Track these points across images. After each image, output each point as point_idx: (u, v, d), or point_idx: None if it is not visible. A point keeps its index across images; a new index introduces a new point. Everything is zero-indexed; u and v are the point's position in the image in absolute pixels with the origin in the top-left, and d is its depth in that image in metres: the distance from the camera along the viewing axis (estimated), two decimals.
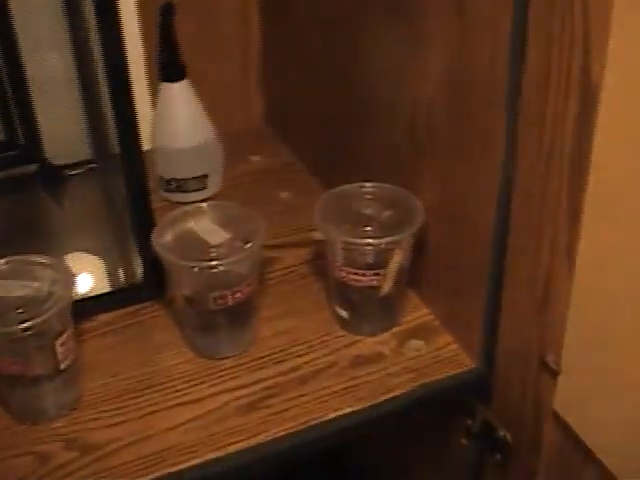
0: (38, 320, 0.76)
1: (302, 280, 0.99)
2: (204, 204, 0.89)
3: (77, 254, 0.97)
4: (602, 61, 0.61)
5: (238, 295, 0.84)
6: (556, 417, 0.78)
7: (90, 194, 1.07)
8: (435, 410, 0.91)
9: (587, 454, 0.75)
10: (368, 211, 0.90)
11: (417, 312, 0.93)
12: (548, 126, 0.69)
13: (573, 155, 0.67)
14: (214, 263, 0.82)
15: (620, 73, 0.61)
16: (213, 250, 0.85)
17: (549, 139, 0.69)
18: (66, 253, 0.94)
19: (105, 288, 0.96)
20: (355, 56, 0.97)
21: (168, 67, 1.05)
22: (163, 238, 0.85)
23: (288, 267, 1.01)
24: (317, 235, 1.02)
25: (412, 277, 0.91)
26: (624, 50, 0.59)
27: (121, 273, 0.98)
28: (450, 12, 0.76)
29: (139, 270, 0.95)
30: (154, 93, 1.10)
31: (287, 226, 1.06)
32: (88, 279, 0.96)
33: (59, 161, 1.03)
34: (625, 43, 0.59)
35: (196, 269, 0.82)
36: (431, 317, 0.93)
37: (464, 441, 0.93)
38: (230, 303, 0.84)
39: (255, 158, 1.20)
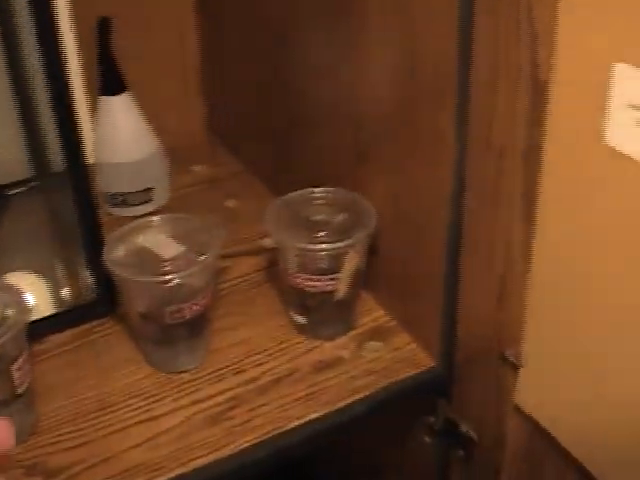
0: None
1: (255, 289, 0.98)
2: (154, 217, 0.88)
3: (17, 274, 0.95)
4: (550, 57, 0.62)
5: (195, 308, 0.83)
6: (519, 410, 0.79)
7: (33, 213, 1.05)
8: (397, 410, 0.91)
9: (552, 444, 0.76)
10: (320, 216, 0.90)
11: (373, 314, 0.94)
12: (499, 124, 0.69)
13: (525, 153, 0.68)
14: (169, 277, 0.81)
15: (567, 68, 0.61)
16: (167, 264, 0.84)
17: (500, 138, 0.70)
18: (5, 273, 0.92)
19: (53, 308, 0.94)
20: (295, 62, 0.97)
21: (108, 80, 1.03)
22: (114, 254, 0.84)
23: (240, 276, 1.00)
24: (267, 243, 1.02)
25: (367, 279, 0.91)
26: (571, 45, 0.60)
27: (69, 291, 0.97)
28: (394, 14, 0.76)
29: (89, 287, 0.93)
30: (92, 108, 1.08)
31: (236, 235, 1.05)
32: (32, 299, 0.94)
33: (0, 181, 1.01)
34: (572, 38, 0.60)
35: (151, 284, 0.81)
36: (387, 318, 0.93)
37: (427, 439, 0.93)
38: (187, 316, 0.83)
39: (199, 168, 1.19)
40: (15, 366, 0.77)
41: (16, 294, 0.79)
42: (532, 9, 0.62)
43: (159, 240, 0.86)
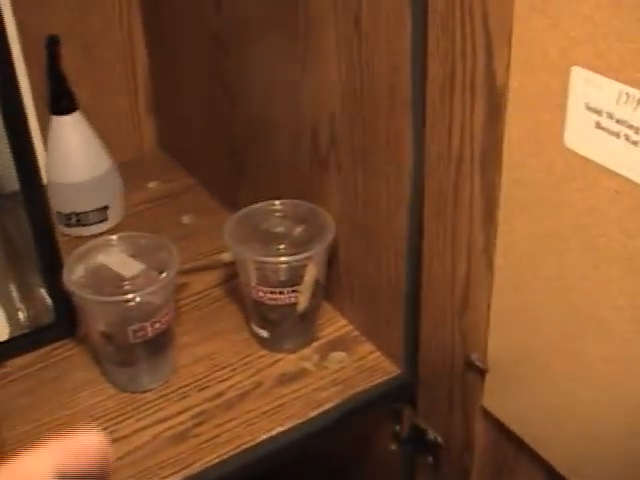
0: None
1: (215, 304, 0.98)
2: (113, 236, 0.88)
3: None
4: (506, 63, 0.63)
5: (157, 325, 0.83)
6: (486, 414, 0.80)
7: None
8: (363, 420, 0.91)
9: (520, 446, 0.77)
10: (279, 229, 0.90)
11: (335, 324, 0.94)
12: (456, 130, 0.70)
13: (484, 156, 0.68)
14: (130, 296, 0.80)
15: (524, 73, 0.62)
16: (127, 283, 0.83)
17: (458, 143, 0.70)
18: None
19: (11, 331, 0.93)
20: (245, 76, 0.97)
21: (58, 100, 1.02)
22: (74, 274, 0.83)
23: (199, 292, 1.00)
24: (225, 257, 1.02)
25: (328, 290, 0.92)
26: (527, 50, 0.61)
27: (26, 314, 0.96)
28: (347, 25, 0.76)
29: (47, 309, 0.92)
30: (43, 127, 1.07)
31: (193, 250, 1.05)
32: None
33: None
34: (527, 43, 0.61)
35: (113, 304, 0.80)
36: (350, 328, 0.93)
37: (393, 447, 0.93)
38: (150, 335, 0.83)
39: (152, 184, 1.19)
40: None
41: None
42: (487, 17, 0.63)
43: (119, 259, 0.85)
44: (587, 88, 0.58)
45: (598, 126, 0.58)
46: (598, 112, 0.58)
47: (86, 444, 0.43)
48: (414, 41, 0.70)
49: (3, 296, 0.96)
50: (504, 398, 0.77)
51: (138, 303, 0.80)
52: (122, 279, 0.83)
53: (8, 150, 0.83)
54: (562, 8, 0.57)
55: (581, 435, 0.71)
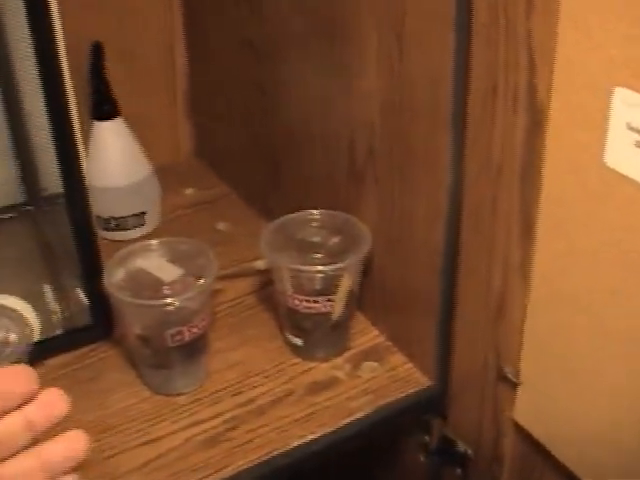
0: None
1: (249, 310, 0.99)
2: (153, 241, 0.89)
3: (8, 298, 0.95)
4: (548, 80, 0.64)
5: (194, 330, 0.84)
6: (517, 427, 0.80)
7: (24, 237, 1.05)
8: (392, 429, 0.92)
9: (550, 460, 0.77)
10: (315, 238, 0.91)
11: (368, 334, 0.95)
12: (496, 145, 0.71)
13: (523, 172, 0.69)
14: (170, 300, 0.81)
15: (566, 92, 0.63)
16: (166, 287, 0.84)
17: (498, 158, 0.71)
18: None
19: (49, 332, 0.94)
20: (285, 84, 0.98)
21: (101, 106, 1.04)
22: (114, 277, 0.85)
23: (234, 299, 1.01)
24: (260, 264, 1.03)
25: (361, 300, 0.92)
26: (570, 68, 0.62)
27: (63, 315, 0.97)
28: (388, 36, 0.77)
29: (84, 311, 0.93)
30: (84, 132, 1.09)
31: (228, 257, 1.06)
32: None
33: None
34: (570, 61, 0.62)
35: (152, 307, 0.82)
36: (382, 338, 0.94)
37: (422, 458, 0.94)
38: (187, 339, 0.84)
39: (189, 191, 1.20)
40: None
41: (18, 318, 0.79)
42: (531, 35, 0.64)
43: (158, 263, 0.87)
44: (629, 108, 0.59)
45: (638, 145, 0.59)
46: (639, 132, 0.59)
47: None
48: (456, 55, 0.71)
49: (38, 297, 0.97)
50: (535, 412, 0.78)
51: (176, 308, 0.81)
52: (161, 283, 0.85)
53: (51, 152, 0.84)
54: (606, 29, 0.58)
55: (611, 451, 0.71)
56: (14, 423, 0.52)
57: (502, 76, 0.68)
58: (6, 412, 0.51)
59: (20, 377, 0.52)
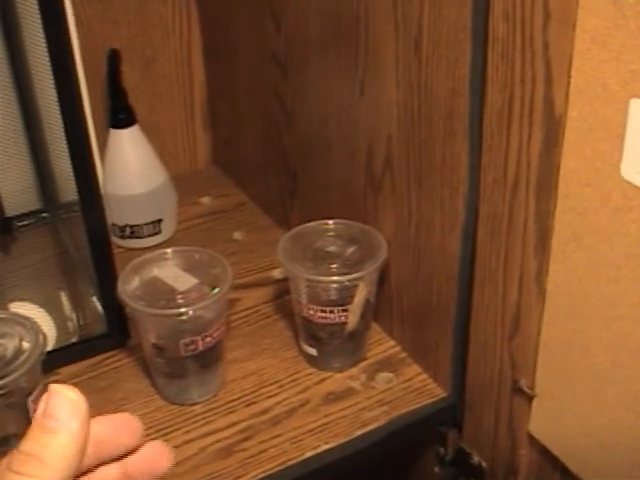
0: (7, 380, 0.74)
1: (265, 320, 0.99)
2: (168, 250, 0.89)
3: (25, 305, 0.95)
4: (565, 92, 0.63)
5: (208, 340, 0.84)
6: (532, 439, 0.79)
7: (42, 244, 1.06)
8: (407, 441, 0.91)
9: (566, 473, 0.77)
10: (332, 248, 0.91)
11: (383, 345, 0.94)
12: (513, 156, 0.70)
13: (539, 183, 0.69)
14: (184, 310, 0.81)
15: (583, 104, 0.63)
16: (180, 296, 0.84)
17: (514, 169, 0.71)
18: (11, 304, 0.92)
19: (64, 340, 0.95)
20: (304, 93, 0.98)
21: (118, 114, 1.04)
22: (129, 286, 0.85)
23: (250, 307, 1.01)
24: (276, 274, 1.03)
25: (377, 310, 0.92)
26: (586, 81, 0.61)
27: (79, 323, 0.97)
28: (407, 48, 0.77)
29: (99, 319, 0.94)
30: (100, 140, 1.09)
31: (244, 266, 1.06)
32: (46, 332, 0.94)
33: (9, 212, 1.02)
34: (587, 74, 0.61)
35: (166, 317, 0.82)
36: (398, 349, 0.93)
37: (437, 469, 0.93)
38: (201, 348, 0.84)
39: (205, 200, 1.20)
40: (31, 398, 0.77)
41: (32, 326, 0.79)
42: (548, 47, 0.63)
43: (173, 272, 0.87)
44: None
45: None
46: None
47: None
48: (474, 67, 0.71)
49: (55, 305, 0.98)
50: (551, 424, 0.77)
51: (191, 317, 0.81)
52: (176, 293, 0.85)
53: (67, 160, 0.85)
54: (623, 42, 0.57)
55: (627, 464, 0.70)
56: (111, 475, 0.47)
57: (519, 88, 0.67)
58: (105, 461, 0.47)
59: (126, 427, 0.47)
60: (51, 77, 0.80)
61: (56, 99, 0.81)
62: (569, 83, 0.63)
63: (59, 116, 0.82)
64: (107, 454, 0.47)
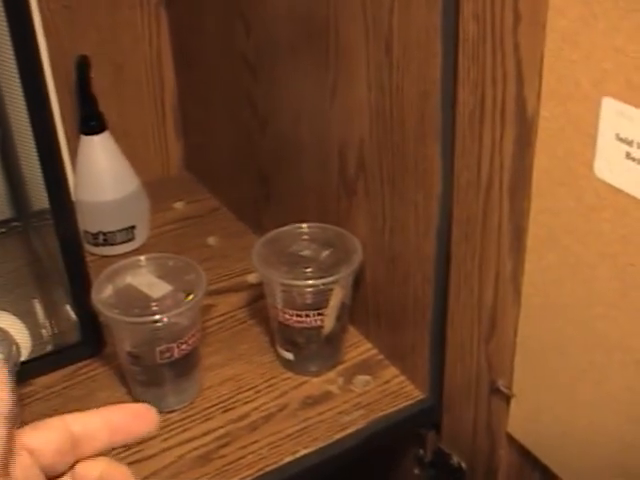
0: None
1: (240, 325, 0.99)
2: (141, 257, 0.88)
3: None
4: (537, 92, 0.63)
5: (184, 347, 0.83)
6: (511, 439, 0.80)
7: (14, 253, 1.05)
8: (386, 443, 0.91)
9: (545, 472, 0.77)
10: (306, 252, 0.90)
11: (360, 347, 0.94)
12: (486, 157, 0.70)
13: (513, 184, 0.69)
14: (158, 317, 0.80)
15: (554, 103, 0.63)
16: (155, 303, 0.84)
17: (487, 170, 0.71)
18: None
19: (37, 350, 0.94)
20: (275, 98, 0.98)
21: (88, 120, 1.03)
22: (103, 294, 0.84)
23: (225, 313, 1.00)
24: (251, 279, 1.03)
25: (353, 313, 0.92)
26: (558, 80, 0.62)
27: (53, 333, 0.96)
28: (378, 50, 0.77)
29: (74, 328, 0.93)
30: (71, 147, 1.08)
31: (218, 272, 1.06)
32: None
33: None
34: (558, 73, 0.61)
35: (140, 324, 0.81)
36: (375, 351, 0.93)
37: (417, 471, 0.94)
38: (176, 356, 0.83)
39: (178, 205, 1.20)
40: None
41: (4, 337, 0.78)
42: (518, 48, 0.64)
43: (146, 280, 0.86)
44: (618, 119, 0.58)
45: (628, 156, 0.59)
46: (629, 143, 0.58)
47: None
48: (444, 68, 0.71)
49: (29, 314, 0.97)
50: (529, 424, 0.77)
51: (165, 324, 0.81)
52: (150, 300, 0.84)
53: (37, 168, 0.84)
54: (594, 40, 0.57)
55: (606, 464, 0.70)
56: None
57: (490, 89, 0.67)
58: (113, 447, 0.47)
59: (143, 417, 0.49)
60: (20, 85, 0.80)
61: (25, 107, 0.80)
62: (541, 83, 0.63)
63: (28, 124, 0.82)
64: (120, 441, 0.48)
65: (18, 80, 0.79)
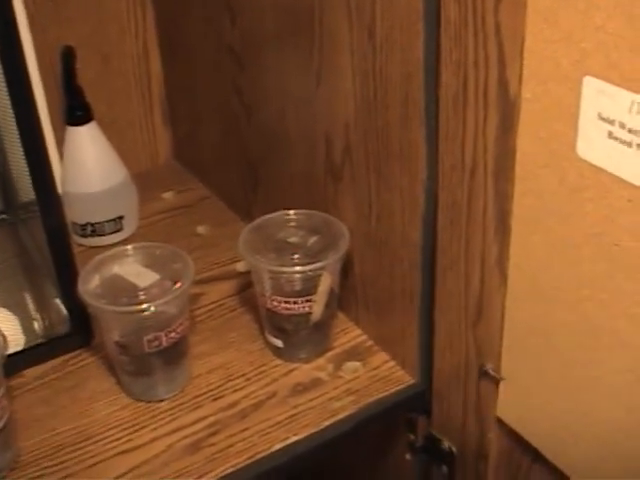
0: None
1: (230, 313, 0.98)
2: (128, 246, 0.88)
3: None
4: (518, 74, 0.63)
5: (172, 335, 0.83)
6: (500, 423, 0.80)
7: (2, 246, 1.05)
8: (377, 428, 0.91)
9: (536, 455, 0.77)
10: (293, 239, 0.90)
11: (349, 334, 0.94)
12: (469, 140, 0.70)
13: (497, 167, 0.69)
14: (145, 306, 0.80)
15: (536, 84, 0.62)
16: (142, 293, 0.83)
17: (471, 153, 0.70)
18: None
19: (27, 342, 0.94)
20: (261, 86, 0.98)
21: (74, 111, 1.03)
22: (90, 284, 0.84)
23: (214, 302, 1.00)
24: (240, 267, 1.02)
25: (342, 299, 0.92)
26: (539, 61, 0.61)
27: (42, 324, 0.96)
28: (361, 36, 0.77)
29: (63, 319, 0.93)
30: (58, 138, 1.08)
31: (208, 260, 1.06)
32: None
33: None
34: (539, 54, 0.61)
35: (128, 314, 0.81)
36: (364, 337, 0.93)
37: (408, 456, 0.94)
38: (165, 344, 0.83)
39: (167, 195, 1.20)
40: None
41: None
42: (500, 29, 0.63)
43: (134, 269, 0.86)
44: (599, 98, 0.58)
45: (610, 136, 0.58)
46: (610, 122, 0.58)
47: None
48: (427, 51, 0.70)
49: (19, 306, 0.97)
50: (518, 408, 0.77)
51: (153, 313, 0.81)
52: (137, 289, 0.84)
53: (23, 160, 0.84)
54: (574, 20, 0.57)
55: (595, 445, 0.70)
56: None
57: (472, 71, 0.67)
58: None
59: None
60: (3, 77, 0.79)
61: (9, 99, 0.80)
62: (522, 64, 0.63)
63: (13, 116, 0.81)
64: None
65: (1, 72, 0.79)
